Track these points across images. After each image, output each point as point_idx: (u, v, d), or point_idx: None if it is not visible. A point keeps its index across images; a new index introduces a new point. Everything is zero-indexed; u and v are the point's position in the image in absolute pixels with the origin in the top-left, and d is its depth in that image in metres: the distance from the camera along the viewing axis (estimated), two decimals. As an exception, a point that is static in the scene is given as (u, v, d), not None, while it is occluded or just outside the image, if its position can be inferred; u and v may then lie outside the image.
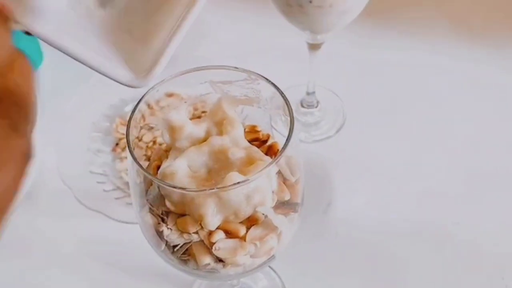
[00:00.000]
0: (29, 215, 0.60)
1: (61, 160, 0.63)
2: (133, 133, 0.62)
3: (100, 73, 0.36)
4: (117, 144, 0.66)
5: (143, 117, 0.62)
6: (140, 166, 0.36)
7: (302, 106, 0.68)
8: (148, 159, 0.56)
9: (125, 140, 0.63)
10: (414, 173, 0.63)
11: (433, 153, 0.64)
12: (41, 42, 0.74)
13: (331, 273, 0.56)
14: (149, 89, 0.39)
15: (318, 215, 0.60)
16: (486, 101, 0.68)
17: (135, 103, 0.56)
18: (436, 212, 0.59)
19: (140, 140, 0.62)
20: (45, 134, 0.63)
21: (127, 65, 0.36)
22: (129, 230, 0.56)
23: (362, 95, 0.69)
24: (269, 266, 0.57)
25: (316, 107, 0.68)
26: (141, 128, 0.62)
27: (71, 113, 0.68)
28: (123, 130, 0.67)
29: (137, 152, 0.60)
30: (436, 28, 0.75)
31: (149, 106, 0.63)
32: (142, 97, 0.39)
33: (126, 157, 0.65)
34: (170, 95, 0.64)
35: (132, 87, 0.36)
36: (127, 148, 0.37)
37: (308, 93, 0.67)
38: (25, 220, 0.60)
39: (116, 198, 0.61)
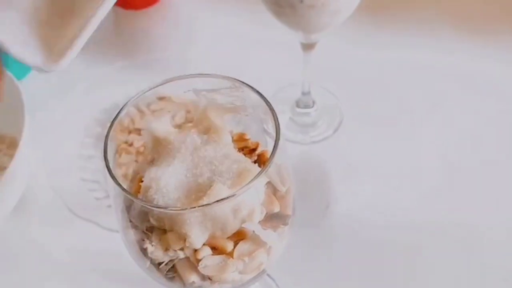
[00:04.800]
0: (20, 225, 0.59)
1: (51, 168, 0.62)
2: (121, 138, 0.61)
3: (12, 55, 0.37)
4: (117, 151, 0.65)
5: (132, 121, 0.61)
6: (119, 184, 0.34)
7: (298, 106, 0.66)
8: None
9: (121, 146, 0.61)
10: (415, 173, 0.61)
11: (433, 151, 0.63)
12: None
13: (330, 278, 0.55)
14: (127, 102, 0.38)
15: (317, 217, 0.59)
16: (487, 99, 0.67)
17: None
18: (437, 213, 0.58)
19: (130, 145, 0.60)
20: (35, 141, 0.61)
21: (42, 50, 0.37)
22: (122, 240, 0.55)
23: (359, 94, 0.68)
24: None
25: (312, 107, 0.66)
26: (130, 132, 0.60)
27: (62, 119, 0.66)
28: (120, 136, 0.66)
29: (126, 158, 0.59)
30: (434, 25, 0.74)
31: (139, 109, 0.61)
32: (119, 111, 0.37)
33: (124, 164, 0.64)
34: (161, 98, 0.63)
35: (43, 70, 0.36)
36: (104, 163, 0.36)
37: (303, 93, 0.65)
38: (15, 231, 0.59)
39: (108, 206, 0.59)
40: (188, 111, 0.60)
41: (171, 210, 0.35)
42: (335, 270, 0.55)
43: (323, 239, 0.57)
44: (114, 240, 0.56)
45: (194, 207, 0.34)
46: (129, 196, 0.34)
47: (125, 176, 0.57)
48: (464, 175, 0.60)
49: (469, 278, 0.54)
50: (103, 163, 0.62)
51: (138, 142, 0.60)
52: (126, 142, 0.61)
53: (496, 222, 0.57)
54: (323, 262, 0.55)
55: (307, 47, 0.59)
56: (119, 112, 0.38)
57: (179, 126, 0.45)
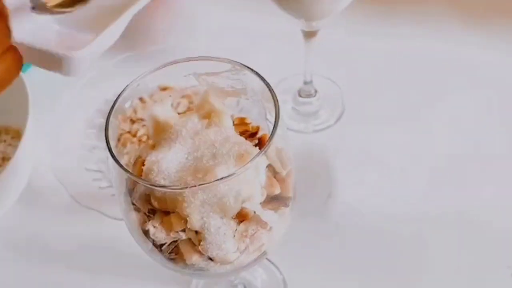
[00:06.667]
0: (24, 214, 0.60)
1: (55, 158, 0.62)
2: (124, 128, 0.61)
3: None
4: (118, 140, 0.65)
5: (135, 111, 0.61)
6: (119, 163, 0.34)
7: (300, 95, 0.66)
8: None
9: (125, 135, 0.62)
10: (417, 162, 0.61)
11: (436, 139, 0.63)
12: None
13: (332, 266, 0.55)
14: (128, 84, 0.38)
15: (319, 206, 0.59)
16: (493, 90, 0.66)
17: (132, 98, 0.54)
18: (440, 202, 0.58)
19: (134, 135, 0.61)
20: (39, 132, 0.61)
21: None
22: (126, 228, 0.55)
23: (361, 83, 0.68)
24: (269, 260, 0.56)
25: (314, 96, 0.66)
26: (134, 122, 0.61)
27: (65, 110, 0.66)
28: (123, 126, 0.66)
29: (130, 148, 0.60)
30: (439, 15, 0.73)
31: (141, 100, 0.62)
32: (120, 93, 0.37)
33: (127, 153, 0.64)
34: (164, 88, 0.63)
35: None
36: (106, 145, 0.36)
37: (305, 83, 0.65)
38: (20, 220, 0.59)
39: (112, 195, 0.60)
40: (190, 102, 0.60)
41: (172, 189, 0.35)
42: (337, 258, 0.55)
43: (325, 228, 0.57)
44: (119, 228, 0.56)
45: (195, 186, 0.34)
46: (131, 176, 0.35)
47: (128, 165, 0.57)
48: (468, 166, 0.60)
49: (474, 267, 0.53)
50: (105, 151, 0.63)
51: (141, 131, 0.60)
52: (129, 132, 0.61)
53: (501, 211, 0.57)
54: (325, 250, 0.56)
55: (309, 35, 0.59)
56: (119, 95, 0.38)
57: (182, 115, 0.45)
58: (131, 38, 0.74)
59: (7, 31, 0.41)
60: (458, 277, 0.53)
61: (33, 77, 0.68)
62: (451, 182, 0.59)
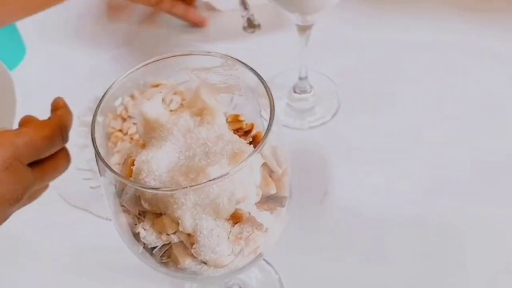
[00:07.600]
0: (13, 215, 0.58)
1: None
2: (115, 126, 0.59)
3: None
4: (109, 139, 0.64)
5: (125, 108, 0.59)
6: (106, 164, 0.33)
7: (295, 92, 0.65)
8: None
9: (116, 134, 0.60)
10: (415, 158, 0.60)
11: (434, 136, 0.62)
12: (24, 35, 0.71)
13: (328, 264, 0.54)
14: (114, 81, 0.36)
15: (315, 204, 0.58)
16: (489, 81, 0.66)
17: (122, 96, 0.53)
18: (438, 198, 0.57)
19: (125, 133, 0.59)
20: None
21: None
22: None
23: (356, 78, 0.67)
24: (264, 259, 0.54)
25: (309, 92, 0.65)
26: (124, 120, 0.59)
27: (55, 108, 0.65)
28: (114, 124, 0.65)
29: (121, 146, 0.58)
30: (434, 5, 0.72)
31: (132, 97, 0.60)
32: (107, 91, 0.36)
33: (117, 152, 0.63)
34: (155, 85, 0.61)
35: None
36: (93, 145, 0.35)
37: (300, 78, 0.64)
38: (9, 222, 0.58)
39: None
40: (183, 99, 0.59)
41: (162, 191, 0.34)
42: (334, 256, 0.54)
43: (321, 226, 0.56)
44: (109, 228, 0.55)
45: (186, 187, 0.32)
46: (118, 178, 0.33)
47: (119, 164, 0.56)
48: (469, 159, 0.59)
49: (474, 264, 0.53)
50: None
51: (132, 129, 0.59)
52: (120, 130, 0.60)
53: (500, 208, 0.56)
54: (322, 248, 0.55)
55: (303, 29, 0.57)
56: (106, 93, 0.36)
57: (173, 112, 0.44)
58: (123, 35, 0.73)
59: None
60: (458, 274, 0.52)
61: (22, 75, 0.67)
62: (450, 179, 0.58)
